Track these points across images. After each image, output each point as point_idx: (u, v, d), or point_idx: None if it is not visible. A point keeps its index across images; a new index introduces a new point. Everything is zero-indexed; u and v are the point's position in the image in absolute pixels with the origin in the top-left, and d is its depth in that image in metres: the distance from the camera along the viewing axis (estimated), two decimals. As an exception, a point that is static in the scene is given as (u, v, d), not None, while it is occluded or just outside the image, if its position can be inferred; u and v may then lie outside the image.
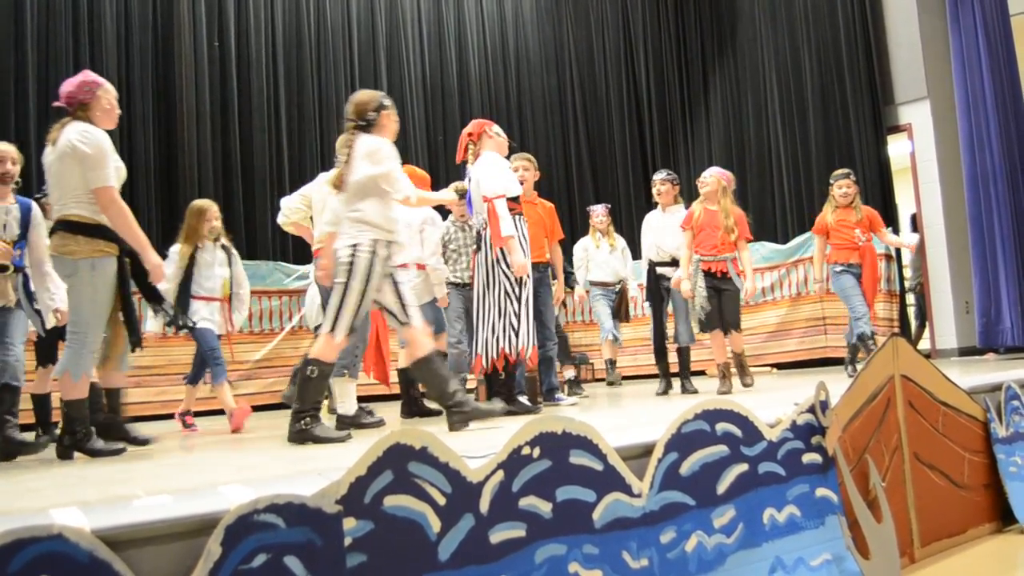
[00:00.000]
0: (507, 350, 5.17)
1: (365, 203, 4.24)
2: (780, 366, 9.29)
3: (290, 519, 1.76)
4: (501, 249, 5.08)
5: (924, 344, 9.51)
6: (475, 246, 5.33)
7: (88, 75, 4.32)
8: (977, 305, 8.31)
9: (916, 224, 9.77)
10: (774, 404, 3.28)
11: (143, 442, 4.45)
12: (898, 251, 9.32)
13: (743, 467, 2.70)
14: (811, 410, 2.97)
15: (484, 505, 2.08)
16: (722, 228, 5.99)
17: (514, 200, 5.21)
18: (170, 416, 7.15)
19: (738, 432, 2.73)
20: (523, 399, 5.42)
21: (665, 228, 6.54)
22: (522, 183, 5.99)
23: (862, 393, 3.20)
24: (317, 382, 4.13)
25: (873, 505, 2.98)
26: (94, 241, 4.16)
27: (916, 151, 9.43)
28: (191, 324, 5.70)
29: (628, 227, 10.23)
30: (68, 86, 4.23)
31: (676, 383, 6.44)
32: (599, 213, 8.23)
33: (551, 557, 2.16)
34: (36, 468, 3.79)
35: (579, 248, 8.25)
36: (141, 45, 8.33)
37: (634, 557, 2.32)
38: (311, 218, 5.71)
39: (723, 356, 6.05)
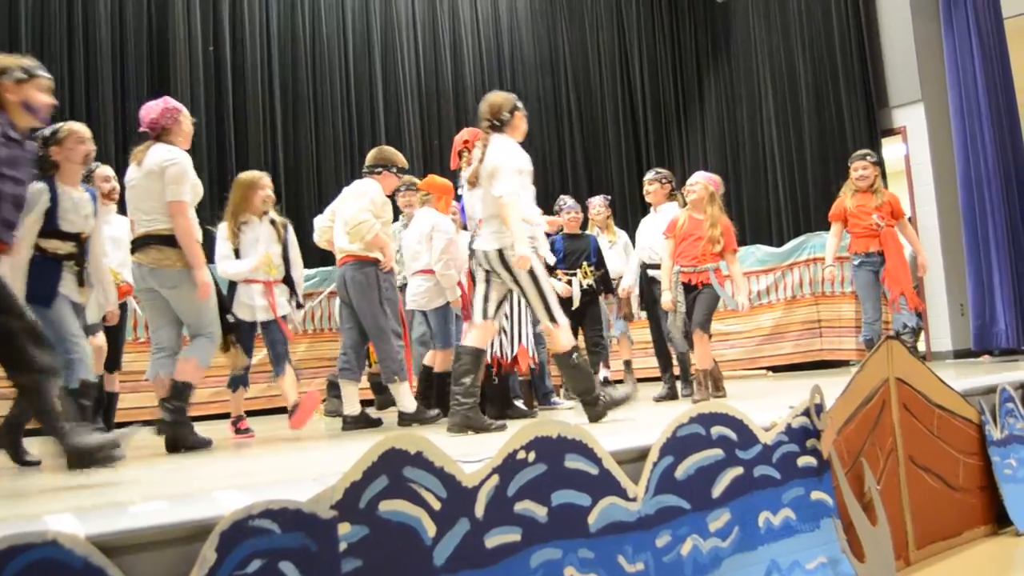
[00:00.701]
0: (499, 355, 5.18)
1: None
2: (775, 369, 9.28)
3: (285, 524, 1.76)
4: None
5: (919, 346, 9.51)
6: (469, 252, 5.32)
7: (169, 102, 4.71)
8: (972, 307, 8.33)
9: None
10: (769, 407, 3.29)
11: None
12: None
13: (738, 471, 2.70)
14: (806, 413, 2.97)
15: (479, 510, 2.07)
16: (706, 238, 5.53)
17: None
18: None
19: (733, 436, 2.73)
20: (519, 403, 5.43)
21: (656, 229, 6.19)
22: None
23: (857, 396, 3.21)
24: (583, 367, 4.41)
25: (868, 508, 2.99)
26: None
27: (910, 154, 9.45)
28: (230, 319, 5.05)
29: (623, 230, 10.22)
30: (151, 112, 4.62)
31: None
32: (596, 205, 7.69)
33: (547, 561, 2.16)
34: (31, 474, 3.78)
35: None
36: (136, 50, 8.32)
37: (629, 561, 2.32)
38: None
39: (705, 363, 5.55)
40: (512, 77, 11.39)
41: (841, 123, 9.85)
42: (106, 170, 5.61)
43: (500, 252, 4.31)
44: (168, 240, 4.49)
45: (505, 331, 5.18)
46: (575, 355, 4.38)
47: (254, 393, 7.73)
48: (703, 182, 5.72)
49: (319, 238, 6.22)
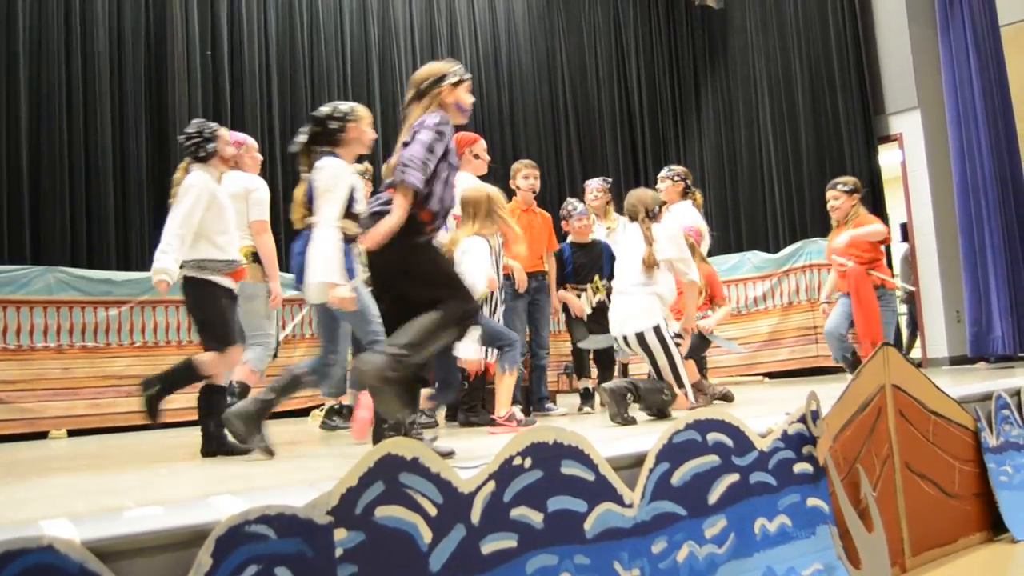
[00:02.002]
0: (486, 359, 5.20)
1: None
2: (771, 375, 9.30)
3: (281, 530, 1.76)
4: None
5: (915, 353, 9.53)
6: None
7: (233, 136, 5.04)
8: (968, 314, 8.34)
9: (907, 234, 9.81)
10: (765, 414, 3.29)
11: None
12: (889, 260, 9.35)
13: (734, 477, 2.70)
14: (802, 420, 2.97)
15: (475, 515, 2.08)
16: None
17: None
18: (161, 426, 7.13)
19: (729, 442, 2.73)
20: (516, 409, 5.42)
21: (667, 228, 5.65)
22: (533, 192, 6.05)
23: (853, 403, 3.21)
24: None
25: (864, 515, 2.99)
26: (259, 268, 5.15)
27: (907, 161, 9.47)
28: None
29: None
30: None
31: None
32: (594, 189, 6.97)
33: (542, 568, 2.16)
34: (26, 479, 3.78)
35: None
36: (134, 56, 8.31)
37: (625, 567, 2.32)
38: None
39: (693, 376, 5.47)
40: (509, 83, 11.40)
41: (838, 130, 9.87)
42: None
43: None
44: (255, 257, 5.09)
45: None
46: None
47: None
48: (684, 234, 5.53)
49: None
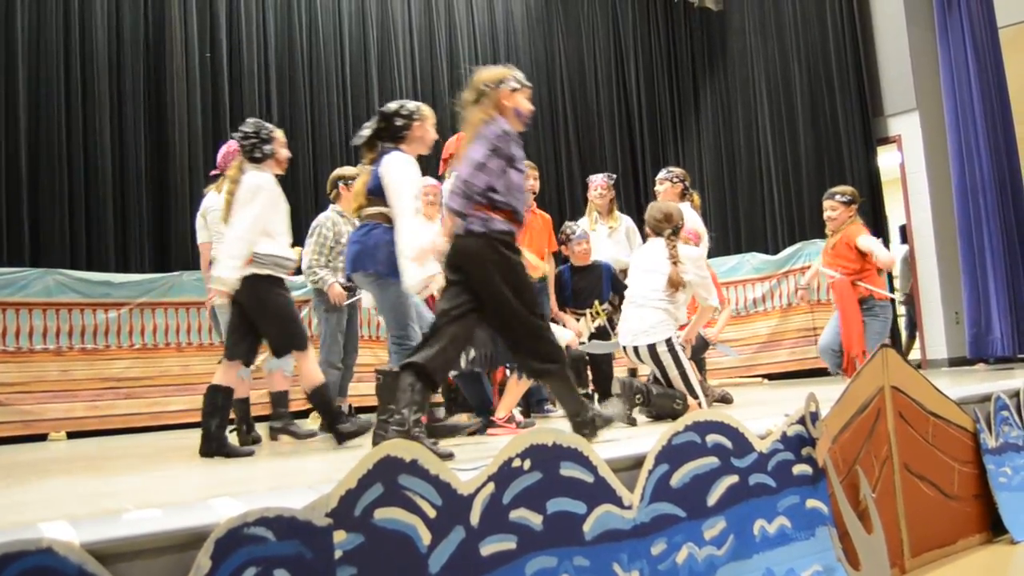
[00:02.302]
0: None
1: None
2: (771, 377, 9.30)
3: (280, 532, 1.76)
4: None
5: (914, 354, 9.53)
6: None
7: (231, 145, 5.10)
8: (967, 315, 8.34)
9: (906, 235, 9.82)
10: (764, 416, 3.29)
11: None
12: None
13: (733, 479, 2.70)
14: (801, 421, 2.97)
15: (475, 518, 2.08)
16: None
17: None
18: (163, 428, 7.13)
19: (728, 444, 2.73)
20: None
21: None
22: (533, 193, 6.05)
23: (852, 404, 3.21)
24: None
25: (863, 516, 2.99)
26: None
27: (905, 162, 9.48)
28: None
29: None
30: (221, 154, 5.15)
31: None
32: (598, 186, 6.71)
33: (542, 569, 2.16)
34: (25, 481, 3.77)
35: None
36: (132, 57, 8.31)
37: (625, 569, 2.32)
38: None
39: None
40: (508, 85, 11.39)
41: (836, 132, 9.88)
42: None
43: None
44: None
45: None
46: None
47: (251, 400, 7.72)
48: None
49: None
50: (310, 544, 1.79)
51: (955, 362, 8.94)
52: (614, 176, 7.10)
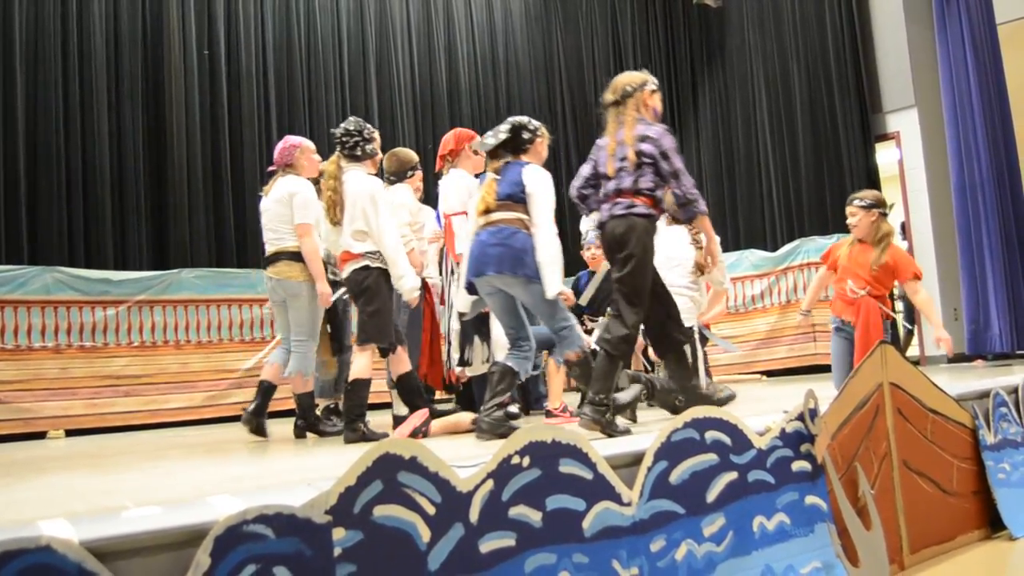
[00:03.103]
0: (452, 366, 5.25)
1: None
2: (770, 373, 9.30)
3: (279, 530, 1.76)
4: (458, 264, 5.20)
5: (913, 351, 9.53)
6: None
7: (288, 140, 5.40)
8: (965, 312, 8.34)
9: (905, 232, 9.82)
10: (763, 412, 3.29)
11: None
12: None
13: (732, 475, 2.70)
14: (800, 418, 2.97)
15: (474, 514, 2.07)
16: None
17: None
18: (159, 425, 7.14)
19: (727, 440, 2.73)
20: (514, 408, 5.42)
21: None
22: None
23: (851, 401, 3.21)
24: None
25: (862, 512, 2.99)
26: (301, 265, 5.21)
27: (904, 159, 9.47)
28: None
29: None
30: (277, 151, 5.34)
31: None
32: None
33: (541, 566, 2.16)
34: (24, 479, 3.77)
35: (582, 226, 6.90)
36: (131, 56, 8.31)
37: (624, 566, 2.32)
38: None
39: None
40: (507, 82, 11.41)
41: (835, 128, 9.87)
42: None
43: None
44: (296, 256, 5.17)
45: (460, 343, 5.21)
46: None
47: (249, 397, 7.72)
48: None
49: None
50: (309, 541, 1.79)
51: (954, 358, 8.94)
52: None
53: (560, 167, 11.59)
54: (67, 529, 1.68)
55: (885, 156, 9.87)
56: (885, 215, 5.55)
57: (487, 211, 4.26)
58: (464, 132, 5.61)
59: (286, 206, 5.18)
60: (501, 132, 4.37)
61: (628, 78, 4.23)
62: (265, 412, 5.22)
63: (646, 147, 3.97)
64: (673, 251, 5.12)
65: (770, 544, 2.71)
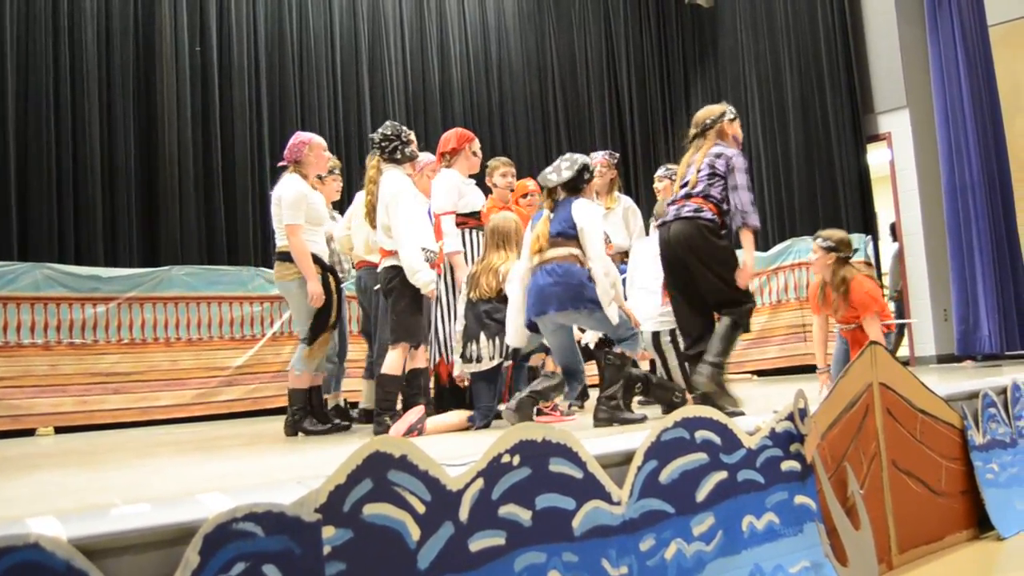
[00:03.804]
0: (444, 361, 5.25)
1: None
2: (760, 373, 9.32)
3: (269, 528, 1.76)
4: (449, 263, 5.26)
5: (903, 351, 9.56)
6: None
7: (298, 136, 5.34)
8: (955, 313, 8.37)
9: (895, 232, 9.85)
10: (753, 412, 3.30)
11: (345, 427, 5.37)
12: (878, 260, 9.38)
13: (722, 475, 2.71)
14: (790, 418, 2.98)
15: (464, 513, 2.08)
16: None
17: (471, 215, 5.39)
18: (149, 423, 7.12)
19: (717, 440, 2.74)
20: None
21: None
22: (510, 190, 6.08)
23: (840, 401, 3.22)
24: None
25: (851, 512, 3.00)
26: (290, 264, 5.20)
27: (895, 160, 9.50)
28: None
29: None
30: (287, 148, 5.29)
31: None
32: (596, 163, 6.24)
33: (531, 565, 2.16)
34: (13, 476, 3.76)
35: None
36: (122, 50, 8.28)
37: (614, 565, 2.32)
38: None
39: None
40: (499, 81, 11.40)
41: (827, 129, 9.90)
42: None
43: None
44: (288, 256, 5.15)
45: (447, 340, 5.22)
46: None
47: (239, 395, 7.73)
48: None
49: (340, 247, 6.17)
50: (299, 539, 1.79)
51: (943, 359, 8.98)
52: (616, 154, 6.85)
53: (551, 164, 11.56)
54: (56, 527, 1.67)
55: (876, 157, 9.90)
56: (847, 259, 5.55)
57: (540, 249, 4.39)
58: (466, 133, 5.62)
59: (279, 206, 5.20)
60: (565, 171, 4.47)
61: (707, 112, 4.57)
62: (308, 416, 5.28)
63: (719, 162, 4.34)
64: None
65: (759, 544, 2.71)
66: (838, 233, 5.63)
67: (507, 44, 11.59)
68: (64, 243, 7.61)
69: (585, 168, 4.52)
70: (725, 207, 4.30)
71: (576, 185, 4.50)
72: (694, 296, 4.38)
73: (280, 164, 5.42)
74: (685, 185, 4.40)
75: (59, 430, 6.77)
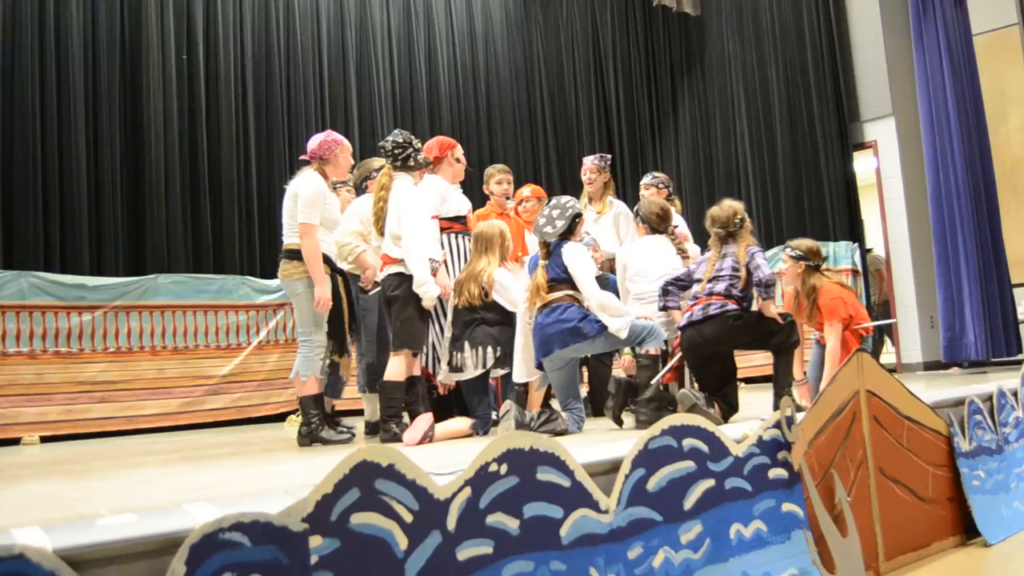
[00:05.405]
0: (429, 370, 5.25)
1: None
2: (747, 381, 9.32)
3: (256, 537, 1.75)
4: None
5: (889, 358, 9.59)
6: None
7: (331, 134, 5.22)
8: (941, 320, 8.40)
9: (884, 239, 9.88)
10: (741, 420, 3.30)
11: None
12: (864, 266, 9.41)
13: (710, 483, 2.71)
14: (777, 425, 2.99)
15: (451, 522, 2.07)
16: None
17: (456, 219, 5.42)
18: (137, 432, 7.09)
19: (705, 448, 2.74)
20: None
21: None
22: (506, 197, 6.11)
23: (827, 408, 3.23)
24: None
25: (839, 519, 3.01)
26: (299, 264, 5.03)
27: (881, 168, 9.54)
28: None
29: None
30: (313, 143, 5.15)
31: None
32: (587, 169, 6.41)
33: (518, 574, 2.16)
34: (-2, 486, 3.74)
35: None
36: (108, 58, 8.27)
37: (601, 573, 2.32)
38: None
39: None
40: (487, 89, 11.42)
41: (813, 137, 9.93)
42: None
43: None
44: (296, 254, 4.99)
45: (436, 349, 5.23)
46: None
47: (225, 404, 7.70)
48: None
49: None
50: (286, 549, 1.78)
51: (930, 366, 9.01)
52: (607, 157, 6.64)
53: (540, 175, 11.61)
54: (41, 537, 1.66)
55: (863, 164, 9.94)
56: (817, 267, 5.63)
57: (541, 296, 4.70)
58: (447, 140, 5.63)
59: (295, 202, 5.03)
60: (558, 221, 4.76)
61: (731, 211, 4.87)
62: (331, 421, 5.21)
63: (751, 263, 4.69)
64: (656, 262, 5.16)
65: (747, 551, 2.71)
66: (806, 242, 5.70)
67: (495, 52, 11.61)
68: (50, 251, 7.58)
69: (577, 216, 4.81)
70: (741, 296, 4.68)
71: (569, 233, 4.80)
72: (715, 365, 4.72)
73: (302, 158, 5.27)
74: (712, 280, 4.72)
75: (45, 439, 6.73)
